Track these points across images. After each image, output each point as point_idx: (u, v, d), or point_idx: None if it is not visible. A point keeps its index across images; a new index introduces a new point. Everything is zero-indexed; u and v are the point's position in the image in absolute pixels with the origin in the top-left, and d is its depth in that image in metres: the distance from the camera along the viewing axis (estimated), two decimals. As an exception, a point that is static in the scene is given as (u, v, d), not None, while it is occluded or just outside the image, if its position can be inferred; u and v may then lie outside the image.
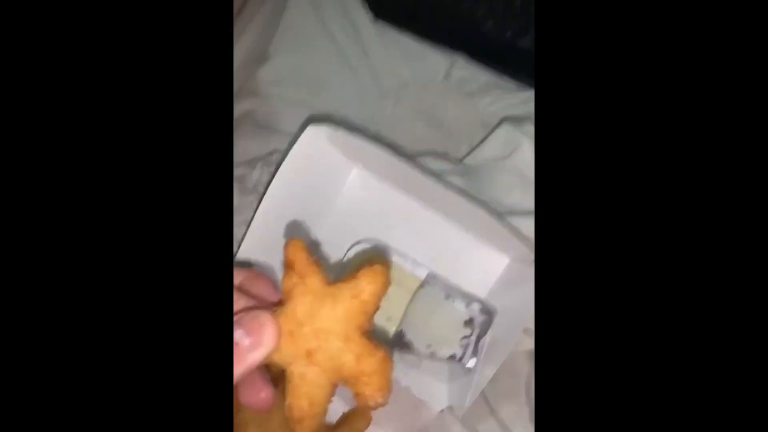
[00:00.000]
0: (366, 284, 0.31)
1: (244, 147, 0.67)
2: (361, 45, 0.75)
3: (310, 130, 0.58)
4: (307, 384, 0.30)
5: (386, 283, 0.31)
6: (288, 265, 0.32)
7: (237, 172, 0.65)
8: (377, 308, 0.32)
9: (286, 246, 0.32)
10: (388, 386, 0.31)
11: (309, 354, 0.30)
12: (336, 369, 0.30)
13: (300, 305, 0.30)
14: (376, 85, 0.72)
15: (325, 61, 0.74)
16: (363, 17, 0.78)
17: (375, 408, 0.31)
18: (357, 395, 0.31)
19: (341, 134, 0.58)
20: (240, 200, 0.64)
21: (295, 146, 0.57)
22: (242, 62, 0.75)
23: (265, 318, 0.29)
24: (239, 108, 0.71)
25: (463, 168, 0.64)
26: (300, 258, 0.31)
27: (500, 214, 0.59)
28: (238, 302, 0.31)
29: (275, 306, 0.31)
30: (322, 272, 0.32)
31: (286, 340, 0.30)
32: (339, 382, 0.31)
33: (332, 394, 0.31)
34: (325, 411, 0.31)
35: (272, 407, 0.33)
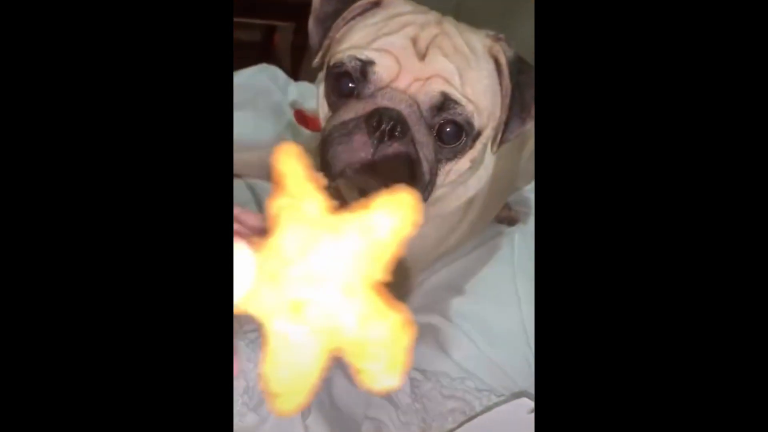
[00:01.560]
0: (384, 217, 0.22)
1: (419, 353, 0.76)
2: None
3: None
4: (290, 349, 0.22)
5: (414, 219, 0.22)
6: (277, 181, 0.22)
7: (410, 374, 0.73)
8: (398, 253, 0.23)
9: (276, 154, 0.23)
10: (401, 364, 0.22)
11: (296, 307, 0.21)
12: (331, 332, 0.21)
13: (289, 238, 0.21)
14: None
15: (506, 319, 0.85)
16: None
17: (381, 394, 0.21)
18: (357, 372, 0.22)
19: None
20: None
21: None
22: (440, 284, 0.89)
23: (236, 248, 0.21)
24: (426, 318, 0.82)
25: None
26: (294, 171, 0.22)
27: None
28: None
29: (256, 236, 0.23)
30: (324, 194, 0.23)
31: (266, 284, 0.21)
32: (335, 350, 0.22)
33: (324, 365, 0.23)
34: (312, 387, 0.22)
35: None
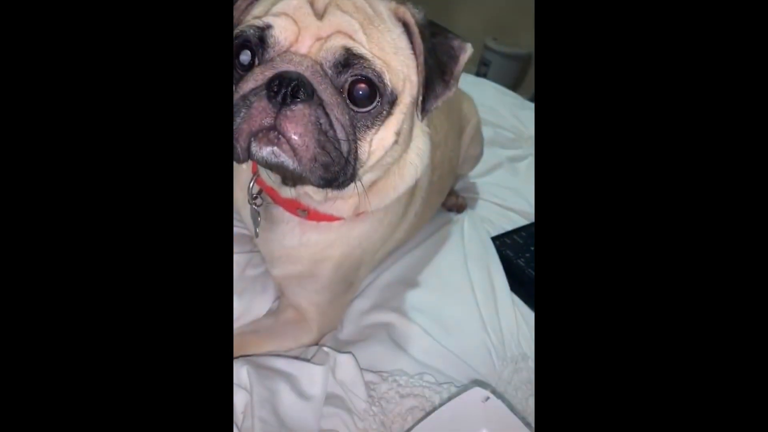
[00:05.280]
0: None
1: (374, 354, 0.74)
2: (495, 307, 0.86)
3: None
4: None
5: None
6: None
7: (366, 377, 0.70)
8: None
9: None
10: None
11: None
12: None
13: None
14: (500, 348, 0.80)
15: (461, 307, 0.84)
16: (501, 283, 0.90)
17: None
18: None
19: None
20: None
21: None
22: (394, 280, 0.87)
23: None
24: (381, 316, 0.80)
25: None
26: None
27: None
28: None
29: None
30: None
31: None
32: None
33: None
34: None
35: None
